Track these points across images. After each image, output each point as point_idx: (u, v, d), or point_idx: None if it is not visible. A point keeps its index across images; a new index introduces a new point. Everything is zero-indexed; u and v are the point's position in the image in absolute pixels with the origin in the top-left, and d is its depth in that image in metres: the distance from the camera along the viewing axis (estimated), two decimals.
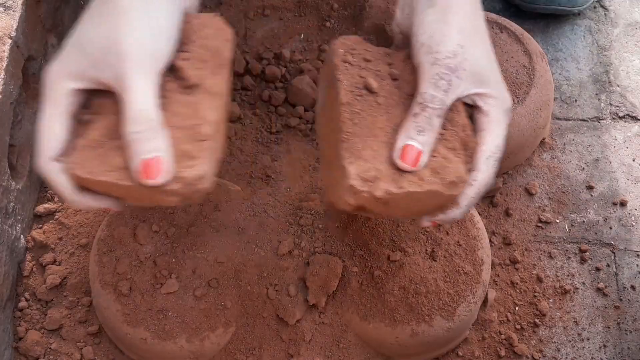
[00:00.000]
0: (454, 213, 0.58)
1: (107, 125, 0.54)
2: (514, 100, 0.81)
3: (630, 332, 0.76)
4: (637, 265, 0.80)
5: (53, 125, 0.54)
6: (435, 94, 0.56)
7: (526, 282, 0.78)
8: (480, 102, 0.59)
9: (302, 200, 0.77)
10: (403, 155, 0.55)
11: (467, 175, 0.56)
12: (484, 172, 0.58)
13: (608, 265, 0.80)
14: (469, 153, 0.57)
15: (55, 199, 0.82)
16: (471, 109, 0.59)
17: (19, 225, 0.77)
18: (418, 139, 0.55)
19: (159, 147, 0.52)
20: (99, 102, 0.55)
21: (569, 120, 0.90)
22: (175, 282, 0.69)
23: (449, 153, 0.56)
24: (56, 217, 0.80)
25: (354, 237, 0.72)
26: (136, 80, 0.52)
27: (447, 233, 0.73)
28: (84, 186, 0.54)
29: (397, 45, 0.63)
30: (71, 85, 0.54)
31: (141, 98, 0.52)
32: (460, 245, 0.72)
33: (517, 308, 0.77)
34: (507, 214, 0.82)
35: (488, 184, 0.59)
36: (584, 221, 0.83)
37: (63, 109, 0.54)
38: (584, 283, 0.79)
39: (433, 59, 0.57)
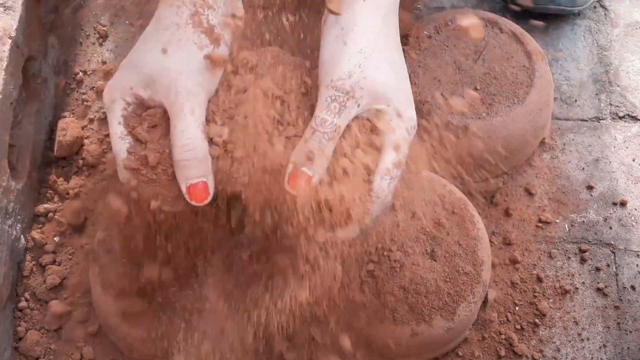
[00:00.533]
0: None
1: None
2: (514, 101, 0.81)
3: (630, 332, 0.76)
4: (637, 265, 0.80)
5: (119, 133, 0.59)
6: (326, 117, 0.57)
7: (526, 282, 0.78)
8: (378, 122, 0.60)
9: None
10: (292, 180, 0.56)
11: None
12: (378, 190, 0.58)
13: (608, 265, 0.80)
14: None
15: (55, 199, 0.82)
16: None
17: (19, 225, 0.77)
18: (307, 165, 0.56)
19: (203, 173, 0.56)
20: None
21: (569, 120, 0.90)
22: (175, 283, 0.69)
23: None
24: (56, 217, 0.80)
25: (353, 237, 0.72)
26: (186, 109, 0.57)
27: (448, 233, 0.73)
28: None
29: None
30: (126, 98, 0.59)
31: (190, 127, 0.57)
32: (460, 245, 0.72)
33: (517, 308, 0.77)
34: (507, 214, 0.82)
35: (383, 203, 0.59)
36: (584, 221, 0.83)
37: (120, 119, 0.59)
38: (584, 283, 0.79)
39: (329, 80, 0.58)
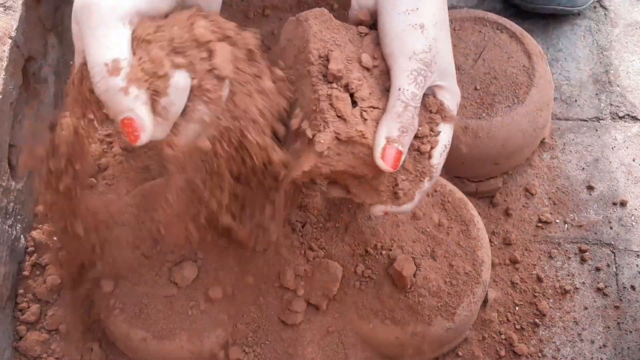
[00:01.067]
0: (407, 206, 0.58)
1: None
2: (514, 100, 0.81)
3: (630, 332, 0.76)
4: (637, 265, 0.80)
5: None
6: (416, 91, 0.56)
7: (526, 282, 0.78)
8: (439, 95, 0.59)
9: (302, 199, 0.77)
10: (384, 155, 0.55)
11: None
12: (438, 166, 0.58)
13: (608, 265, 0.80)
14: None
15: None
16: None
17: (19, 225, 0.77)
18: (401, 140, 0.55)
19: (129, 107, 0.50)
20: None
21: (569, 120, 0.90)
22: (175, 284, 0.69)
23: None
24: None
25: (353, 237, 0.72)
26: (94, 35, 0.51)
27: (448, 233, 0.73)
28: None
29: (353, 20, 0.62)
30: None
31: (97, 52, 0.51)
32: (460, 245, 0.72)
33: (517, 308, 0.77)
34: (507, 214, 0.82)
35: (435, 178, 0.59)
36: (584, 221, 0.83)
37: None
38: (584, 283, 0.79)
39: (411, 52, 0.56)
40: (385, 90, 0.57)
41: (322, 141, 0.54)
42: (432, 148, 0.58)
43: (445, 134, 0.59)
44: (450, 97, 0.59)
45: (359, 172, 0.57)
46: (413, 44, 0.57)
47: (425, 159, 0.58)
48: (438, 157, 0.58)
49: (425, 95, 0.58)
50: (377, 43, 0.59)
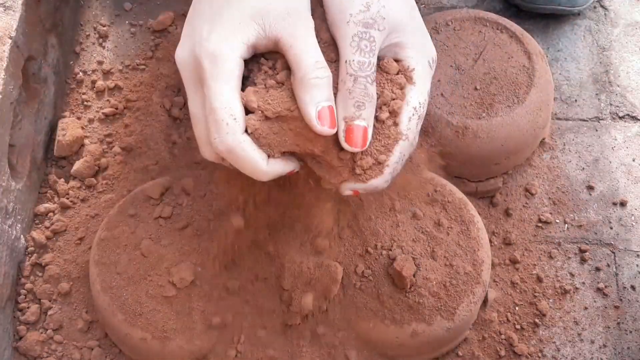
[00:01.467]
0: (375, 181, 0.54)
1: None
2: (514, 100, 0.81)
3: (630, 332, 0.76)
4: (637, 265, 0.80)
5: (233, 99, 0.52)
6: (362, 59, 0.52)
7: (526, 282, 0.78)
8: (401, 55, 0.55)
9: None
10: (348, 137, 0.52)
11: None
12: (407, 131, 0.54)
13: (608, 265, 0.80)
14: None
15: (55, 199, 0.82)
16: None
17: (19, 225, 0.77)
18: (361, 116, 0.52)
19: (331, 97, 0.51)
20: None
21: (569, 120, 0.90)
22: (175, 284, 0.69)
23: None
24: (56, 217, 0.80)
25: (353, 237, 0.72)
26: (308, 36, 0.52)
27: (448, 233, 0.73)
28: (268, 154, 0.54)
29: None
30: (242, 54, 0.52)
31: (315, 51, 0.52)
32: (460, 245, 0.72)
33: (517, 308, 0.77)
34: (507, 214, 0.82)
35: (412, 147, 0.55)
36: (584, 221, 0.83)
37: (235, 82, 0.52)
38: (584, 283, 0.79)
39: (347, 16, 0.52)
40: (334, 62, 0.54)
41: (251, 123, 0.52)
42: (395, 114, 0.53)
43: (414, 95, 0.54)
44: (416, 54, 0.55)
45: (307, 150, 0.54)
46: (348, 6, 0.52)
47: (389, 128, 0.53)
48: (406, 122, 0.53)
49: (382, 57, 0.54)
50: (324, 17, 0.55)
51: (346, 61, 0.52)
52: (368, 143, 0.52)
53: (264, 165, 0.53)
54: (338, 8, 0.53)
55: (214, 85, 0.51)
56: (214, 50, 0.51)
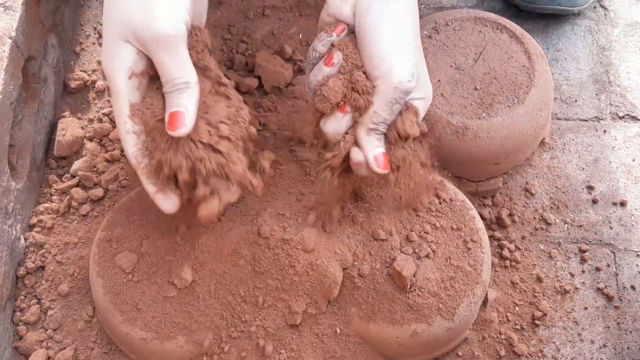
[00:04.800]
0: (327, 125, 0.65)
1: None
2: (514, 100, 0.81)
3: (630, 332, 0.76)
4: (637, 265, 0.80)
5: (123, 115, 0.61)
6: (388, 117, 0.62)
7: (526, 282, 0.78)
8: (414, 103, 0.64)
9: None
10: (378, 164, 0.63)
11: None
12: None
13: (608, 265, 0.80)
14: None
15: (55, 199, 0.82)
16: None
17: (19, 225, 0.77)
18: (381, 146, 0.63)
19: (184, 104, 0.59)
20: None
21: (569, 120, 0.90)
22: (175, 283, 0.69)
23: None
24: (56, 216, 0.80)
25: (354, 238, 0.72)
26: (166, 57, 0.59)
27: (448, 233, 0.73)
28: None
29: (322, 27, 0.65)
30: (126, 73, 0.60)
31: (171, 68, 0.59)
32: (460, 245, 0.72)
33: (517, 308, 0.77)
34: (507, 214, 0.82)
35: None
36: (584, 221, 0.83)
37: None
38: (584, 283, 0.79)
39: (397, 82, 0.61)
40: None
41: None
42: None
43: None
44: (425, 105, 0.65)
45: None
46: (399, 72, 0.61)
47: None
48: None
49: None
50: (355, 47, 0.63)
51: (375, 112, 0.62)
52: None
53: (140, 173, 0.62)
54: (389, 64, 0.61)
55: (112, 100, 0.61)
56: (105, 71, 0.61)
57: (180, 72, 0.59)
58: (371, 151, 0.63)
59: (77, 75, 0.90)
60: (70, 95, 0.90)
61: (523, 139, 0.81)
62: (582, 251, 0.81)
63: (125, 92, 0.60)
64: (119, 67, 0.59)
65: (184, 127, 0.59)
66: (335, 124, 0.64)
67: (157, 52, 0.58)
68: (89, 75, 0.91)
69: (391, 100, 0.61)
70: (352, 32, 0.64)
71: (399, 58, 0.61)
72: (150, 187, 0.62)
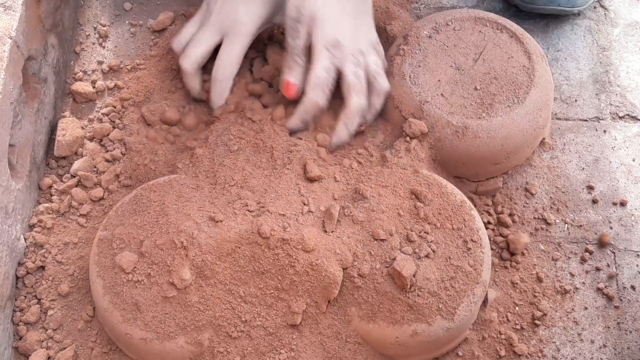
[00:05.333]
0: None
1: None
2: (514, 100, 0.81)
3: (630, 332, 0.76)
4: (637, 265, 0.80)
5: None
6: (288, 40, 0.80)
7: (526, 282, 0.78)
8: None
9: None
10: (286, 89, 0.81)
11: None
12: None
13: (608, 265, 0.80)
14: None
15: (55, 199, 0.82)
16: None
17: (19, 225, 0.77)
18: (291, 75, 0.80)
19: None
20: None
21: (569, 120, 0.90)
22: (175, 283, 0.69)
23: None
24: (56, 216, 0.80)
25: (354, 237, 0.72)
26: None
27: (447, 233, 0.73)
28: None
29: None
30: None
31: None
32: (460, 245, 0.72)
33: (517, 308, 0.77)
34: (507, 214, 0.82)
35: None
36: (584, 221, 0.83)
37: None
38: (584, 283, 0.79)
39: (285, 15, 0.79)
40: None
41: None
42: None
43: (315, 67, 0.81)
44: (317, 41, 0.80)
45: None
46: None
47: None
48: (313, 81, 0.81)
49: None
50: None
51: (286, 43, 0.80)
52: (297, 94, 0.81)
53: None
54: (284, 9, 0.80)
55: (232, 40, 0.85)
56: (243, 18, 0.83)
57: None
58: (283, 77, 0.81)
59: (77, 75, 0.91)
60: (70, 95, 0.90)
61: (523, 139, 0.81)
62: (582, 251, 0.81)
63: (250, 37, 0.83)
64: (257, 18, 0.83)
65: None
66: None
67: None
68: (89, 75, 0.91)
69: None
70: None
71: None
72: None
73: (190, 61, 0.84)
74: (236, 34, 0.82)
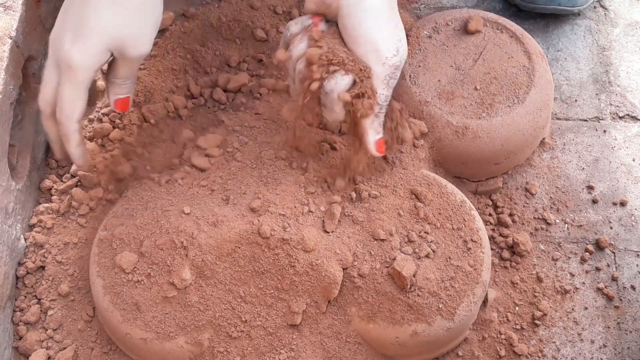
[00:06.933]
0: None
1: None
2: (514, 100, 0.81)
3: (630, 332, 0.76)
4: (637, 265, 0.80)
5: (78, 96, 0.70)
6: (387, 93, 0.69)
7: (526, 282, 0.78)
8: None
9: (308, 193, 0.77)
10: (378, 149, 0.70)
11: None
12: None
13: (608, 265, 0.80)
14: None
15: (55, 199, 0.82)
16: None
17: (19, 225, 0.77)
18: (379, 132, 0.70)
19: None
20: None
21: (569, 120, 0.91)
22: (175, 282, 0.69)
23: None
24: (56, 216, 0.80)
25: (354, 237, 0.72)
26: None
27: (448, 233, 0.73)
28: None
29: (306, 13, 0.71)
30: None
31: (131, 70, 0.73)
32: (460, 245, 0.72)
33: (517, 308, 0.77)
34: (507, 214, 0.82)
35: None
36: (584, 221, 0.83)
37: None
38: (584, 283, 0.79)
39: (384, 59, 0.67)
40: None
41: None
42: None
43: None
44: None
45: None
46: (383, 50, 0.66)
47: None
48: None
49: None
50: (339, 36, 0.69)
51: (377, 94, 0.68)
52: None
53: None
54: (372, 47, 0.67)
55: (66, 82, 0.70)
56: (74, 62, 0.69)
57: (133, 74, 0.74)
58: (372, 138, 0.70)
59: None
60: None
61: (523, 139, 0.81)
62: (582, 251, 0.81)
63: (87, 83, 0.70)
64: (92, 64, 0.69)
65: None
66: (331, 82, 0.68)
67: (131, 62, 0.71)
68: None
69: (385, 77, 0.67)
70: (329, 21, 0.69)
71: (382, 36, 0.67)
72: None
73: (43, 101, 0.72)
74: (70, 76, 0.69)
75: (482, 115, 0.80)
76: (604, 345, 0.75)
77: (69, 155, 0.74)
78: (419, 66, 0.84)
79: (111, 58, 0.71)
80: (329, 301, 0.71)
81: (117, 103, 0.74)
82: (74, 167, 0.83)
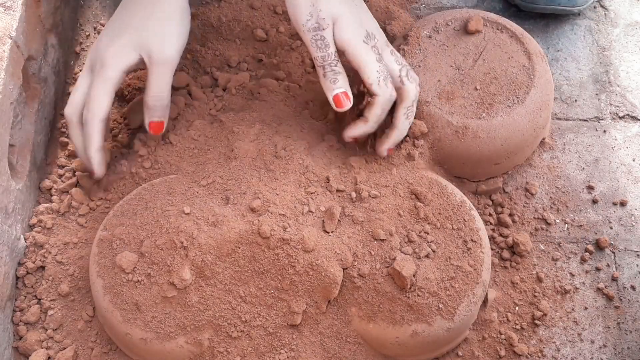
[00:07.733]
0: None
1: None
2: (514, 100, 0.81)
3: (630, 332, 0.76)
4: (637, 265, 0.80)
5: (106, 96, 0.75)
6: (322, 53, 0.73)
7: (526, 282, 0.78)
8: (337, 35, 0.74)
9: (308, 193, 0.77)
10: (337, 104, 0.74)
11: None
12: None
13: (608, 265, 0.80)
14: None
15: (54, 199, 0.82)
16: None
17: (19, 225, 0.77)
18: (337, 86, 0.74)
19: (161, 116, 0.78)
20: None
21: (569, 120, 0.91)
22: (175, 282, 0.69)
23: None
24: (56, 216, 0.80)
25: (354, 237, 0.72)
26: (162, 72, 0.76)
27: (447, 233, 0.73)
28: None
29: None
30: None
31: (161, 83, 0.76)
32: (460, 245, 0.72)
33: (517, 308, 0.77)
34: (507, 214, 0.82)
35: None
36: (584, 221, 0.83)
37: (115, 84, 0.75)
38: (584, 283, 0.79)
39: (301, 26, 0.72)
40: None
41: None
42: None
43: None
44: (349, 35, 0.75)
45: None
46: (298, 18, 0.73)
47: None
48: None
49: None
50: None
51: (314, 58, 0.73)
52: (351, 101, 0.74)
53: None
54: (294, 19, 0.73)
55: (98, 81, 0.76)
56: (107, 60, 0.75)
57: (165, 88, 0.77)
58: (330, 94, 0.75)
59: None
60: None
61: (523, 139, 0.81)
62: (582, 251, 0.81)
63: (116, 80, 0.75)
64: (122, 62, 0.75)
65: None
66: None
67: (158, 71, 0.75)
68: None
69: (310, 42, 0.72)
70: None
71: (295, 5, 0.73)
72: None
73: (71, 107, 0.76)
74: (100, 73, 0.74)
75: (482, 115, 0.80)
76: (604, 345, 0.75)
77: (89, 160, 0.77)
78: (419, 66, 0.84)
79: (139, 63, 0.75)
80: (329, 301, 0.71)
81: (151, 126, 0.78)
82: (74, 166, 0.83)
